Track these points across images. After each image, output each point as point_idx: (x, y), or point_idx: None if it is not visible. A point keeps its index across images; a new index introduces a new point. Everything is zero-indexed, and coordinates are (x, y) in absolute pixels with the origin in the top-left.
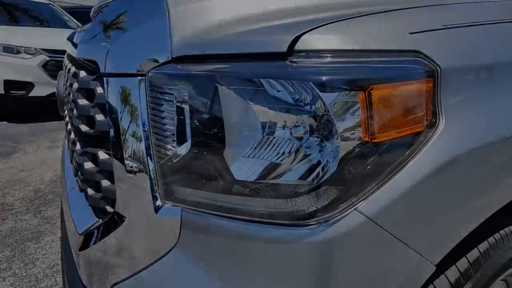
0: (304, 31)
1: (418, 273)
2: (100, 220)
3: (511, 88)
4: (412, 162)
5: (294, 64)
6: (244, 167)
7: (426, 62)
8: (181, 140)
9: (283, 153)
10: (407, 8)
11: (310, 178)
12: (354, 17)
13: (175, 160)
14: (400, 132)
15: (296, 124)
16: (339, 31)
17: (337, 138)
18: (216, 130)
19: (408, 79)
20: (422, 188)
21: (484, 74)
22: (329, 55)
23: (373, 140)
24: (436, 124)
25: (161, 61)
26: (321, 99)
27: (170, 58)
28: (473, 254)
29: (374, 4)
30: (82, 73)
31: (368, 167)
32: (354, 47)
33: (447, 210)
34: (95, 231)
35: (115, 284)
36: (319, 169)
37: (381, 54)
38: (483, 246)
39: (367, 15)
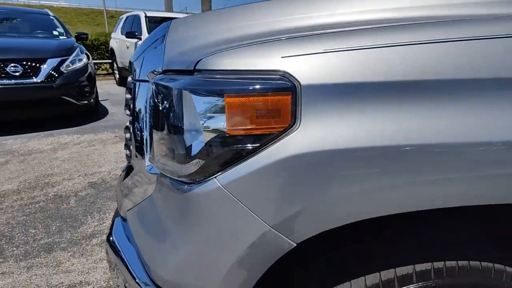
0: (202, 57)
1: (266, 245)
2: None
3: (360, 107)
4: (264, 151)
5: (194, 77)
6: (167, 147)
7: (289, 78)
8: (155, 125)
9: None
10: (291, 38)
11: (190, 153)
12: (243, 46)
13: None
14: (258, 128)
15: (185, 119)
16: (226, 56)
17: (204, 129)
18: (169, 122)
19: (273, 91)
20: (270, 171)
21: (340, 92)
22: (213, 72)
23: (233, 133)
24: (294, 126)
25: (157, 73)
26: (193, 101)
27: (161, 71)
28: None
29: (279, 34)
30: (129, 78)
31: (226, 150)
32: (231, 68)
33: (296, 195)
34: (124, 173)
35: (128, 210)
36: (194, 148)
37: (252, 72)
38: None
39: (255, 43)
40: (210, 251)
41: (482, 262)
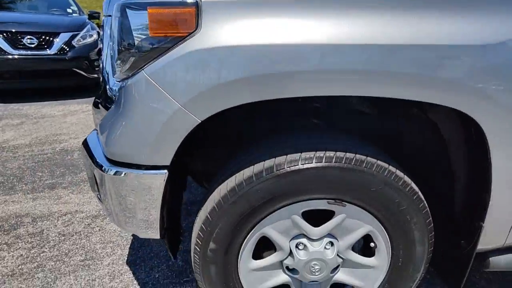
0: None
1: (179, 120)
2: None
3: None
4: (175, 49)
5: None
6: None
7: None
8: (113, 41)
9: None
10: None
11: (128, 54)
12: None
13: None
14: (171, 32)
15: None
16: None
17: (135, 34)
18: (118, 34)
19: (181, 5)
20: (179, 63)
21: (229, 7)
22: None
23: (154, 35)
24: (196, 31)
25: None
26: (128, 14)
27: None
28: None
29: None
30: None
31: (149, 49)
32: None
33: (198, 81)
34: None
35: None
36: (130, 49)
37: None
38: None
39: None
40: (140, 126)
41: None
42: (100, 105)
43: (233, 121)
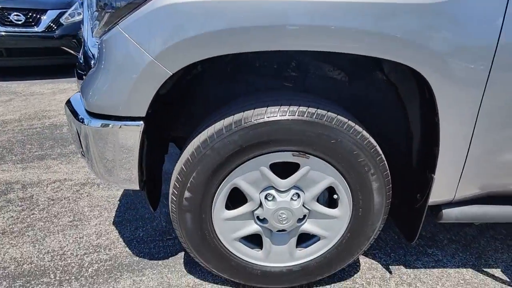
0: None
1: (152, 72)
2: None
3: None
4: (146, 4)
5: None
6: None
7: None
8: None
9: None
10: None
11: (104, 9)
12: None
13: None
14: None
15: None
16: None
17: None
18: None
19: None
20: (150, 17)
21: None
22: None
23: None
24: None
25: None
26: None
27: None
28: None
29: None
30: None
31: (123, 4)
32: None
33: (168, 34)
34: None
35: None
36: (106, 6)
37: None
38: None
39: None
40: (116, 78)
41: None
42: (83, 76)
43: (212, 86)
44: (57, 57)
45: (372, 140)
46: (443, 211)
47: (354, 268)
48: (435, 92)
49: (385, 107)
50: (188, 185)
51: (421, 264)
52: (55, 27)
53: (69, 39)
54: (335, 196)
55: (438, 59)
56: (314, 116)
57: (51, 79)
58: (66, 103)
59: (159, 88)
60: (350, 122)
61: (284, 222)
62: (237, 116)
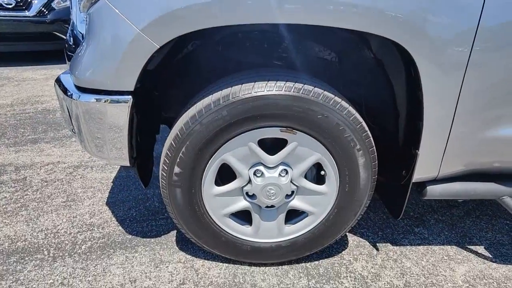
0: None
1: (139, 45)
2: None
3: None
4: None
5: None
6: None
7: None
8: None
9: None
10: None
11: None
12: None
13: None
14: None
15: None
16: None
17: None
18: None
19: None
20: None
21: None
22: None
23: None
24: None
25: None
26: None
27: None
28: None
29: None
30: None
31: None
32: None
33: (152, 7)
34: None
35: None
36: None
37: None
38: None
39: None
40: (103, 51)
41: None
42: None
43: (204, 65)
44: (49, 42)
45: (358, 116)
46: (427, 187)
47: (342, 245)
48: (420, 68)
49: (373, 85)
50: (178, 160)
51: (407, 242)
52: (47, 12)
53: (61, 24)
54: (322, 173)
55: (424, 37)
56: (301, 91)
57: (43, 65)
58: (55, 81)
59: (148, 63)
60: (336, 98)
61: (272, 198)
62: (225, 91)
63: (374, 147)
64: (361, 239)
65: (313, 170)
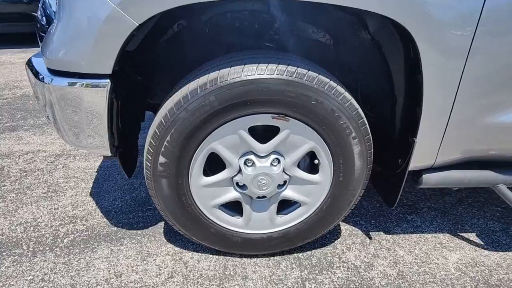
0: None
1: (116, 23)
2: None
3: None
4: None
5: None
6: None
7: None
8: None
9: None
10: None
11: None
12: None
13: None
14: None
15: None
16: None
17: None
18: None
19: None
20: None
21: None
22: None
23: None
24: None
25: None
26: None
27: None
28: None
29: None
30: None
31: None
32: None
33: None
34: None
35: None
36: None
37: None
38: None
39: None
40: (78, 29)
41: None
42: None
43: (190, 48)
44: (27, 23)
45: (354, 102)
46: (424, 176)
47: (335, 234)
48: (420, 50)
49: (370, 69)
50: (162, 149)
51: (400, 230)
52: None
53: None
54: (316, 161)
55: (426, 17)
56: (294, 75)
57: (22, 47)
58: (26, 63)
59: (127, 43)
60: (331, 82)
61: (264, 188)
62: (213, 75)
63: (370, 135)
64: (354, 228)
65: (306, 159)
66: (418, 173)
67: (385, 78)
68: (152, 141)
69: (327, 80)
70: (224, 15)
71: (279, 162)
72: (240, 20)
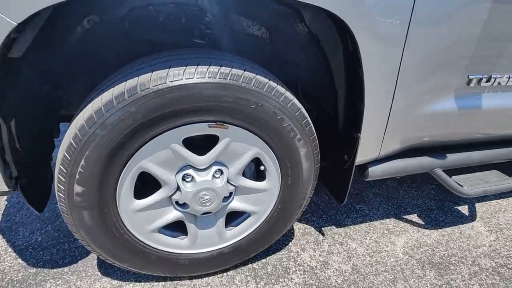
0: None
1: None
2: None
3: None
4: None
5: None
6: None
7: None
8: None
9: None
10: None
11: None
12: None
13: None
14: None
15: None
16: None
17: None
18: None
19: None
20: None
21: None
22: None
23: None
24: None
25: None
26: None
27: None
28: None
29: None
30: None
31: None
32: None
33: None
34: None
35: None
36: None
37: None
38: None
39: None
40: None
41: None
42: None
43: (105, 48)
44: None
45: (297, 102)
46: (369, 169)
47: (288, 236)
48: (359, 42)
49: (309, 64)
50: (77, 177)
51: (350, 221)
52: None
53: None
54: (262, 168)
55: (361, 5)
56: (229, 78)
57: None
58: None
59: (6, 46)
60: (271, 82)
61: (208, 204)
62: (131, 82)
63: (315, 135)
64: (306, 226)
65: (251, 166)
66: (364, 166)
67: (325, 73)
68: (63, 168)
69: (266, 80)
70: (146, 8)
71: (222, 173)
72: (164, 14)
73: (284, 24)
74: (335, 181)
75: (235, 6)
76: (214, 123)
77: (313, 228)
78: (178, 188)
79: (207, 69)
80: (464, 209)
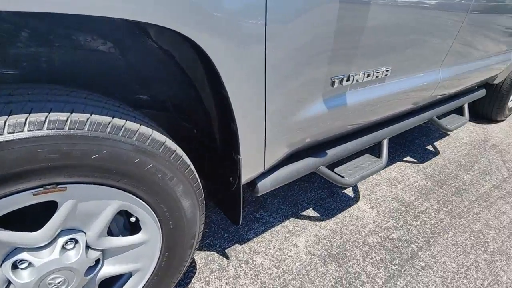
0: None
1: None
2: None
3: None
4: None
5: None
6: None
7: None
8: None
9: None
10: None
11: None
12: None
13: None
14: None
15: None
16: None
17: None
18: None
19: None
20: None
21: None
22: None
23: None
24: None
25: None
26: None
27: None
28: None
29: None
30: None
31: None
32: None
33: None
34: None
35: None
36: None
37: None
38: None
39: None
40: None
41: None
42: None
43: None
44: None
45: (158, 135)
46: (258, 184)
47: (190, 271)
48: (216, 62)
49: (174, 80)
50: None
51: (253, 233)
52: None
53: None
54: (132, 219)
55: (207, 17)
56: (48, 126)
57: None
58: None
59: None
60: (115, 120)
61: (64, 287)
62: None
63: (191, 166)
64: (208, 252)
65: (120, 218)
66: (253, 182)
67: (192, 91)
68: None
69: (108, 119)
70: None
71: (76, 242)
72: None
73: (129, 38)
74: (226, 203)
75: (59, 21)
76: (41, 189)
77: (216, 253)
78: (9, 283)
79: (26, 120)
80: (349, 191)
